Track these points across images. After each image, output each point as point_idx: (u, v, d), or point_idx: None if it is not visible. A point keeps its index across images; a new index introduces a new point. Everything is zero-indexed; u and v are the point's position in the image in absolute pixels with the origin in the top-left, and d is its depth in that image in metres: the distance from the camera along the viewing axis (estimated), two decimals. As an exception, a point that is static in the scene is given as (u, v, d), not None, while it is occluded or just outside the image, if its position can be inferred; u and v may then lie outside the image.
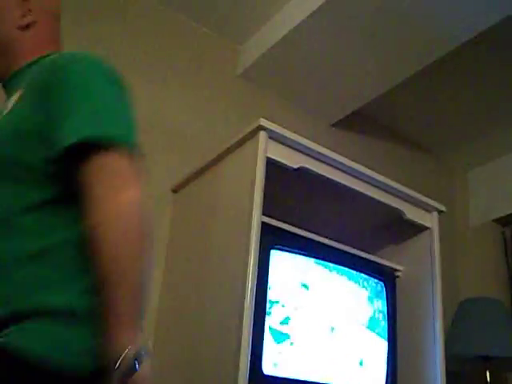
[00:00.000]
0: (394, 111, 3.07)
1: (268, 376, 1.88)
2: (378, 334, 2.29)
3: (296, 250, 2.13)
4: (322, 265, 2.18)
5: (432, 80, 2.81)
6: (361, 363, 2.20)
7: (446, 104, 3.03)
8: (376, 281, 2.37)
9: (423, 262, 2.43)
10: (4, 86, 1.36)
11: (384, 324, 2.34)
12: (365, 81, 2.64)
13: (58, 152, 1.05)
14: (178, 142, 2.47)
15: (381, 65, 2.53)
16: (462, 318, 2.76)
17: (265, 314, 1.91)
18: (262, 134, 2.01)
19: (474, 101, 2.99)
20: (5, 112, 1.22)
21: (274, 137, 2.05)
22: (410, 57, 2.47)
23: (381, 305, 2.36)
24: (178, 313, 2.17)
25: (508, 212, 3.31)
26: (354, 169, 2.26)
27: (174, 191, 2.40)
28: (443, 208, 2.50)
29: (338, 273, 2.22)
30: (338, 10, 2.26)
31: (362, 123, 3.06)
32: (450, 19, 2.26)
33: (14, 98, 1.20)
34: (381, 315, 2.34)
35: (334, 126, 2.93)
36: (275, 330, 1.95)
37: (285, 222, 2.13)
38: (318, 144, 2.19)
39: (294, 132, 2.11)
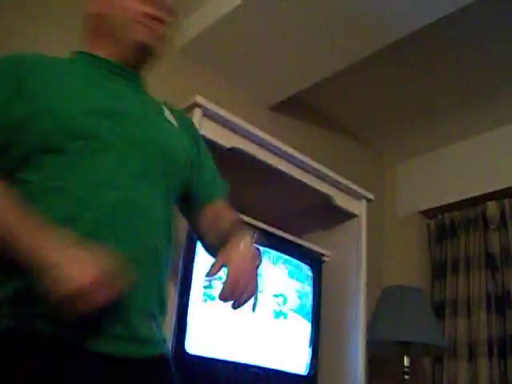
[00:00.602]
0: (331, 99, 3.09)
1: (192, 356, 1.88)
2: (302, 316, 2.33)
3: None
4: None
5: (371, 71, 2.84)
6: (284, 344, 2.23)
7: (383, 96, 3.07)
8: (303, 264, 2.41)
9: (350, 249, 2.49)
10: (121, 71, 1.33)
11: (309, 307, 2.38)
12: (305, 66, 2.63)
13: None
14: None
15: (321, 52, 2.52)
16: (384, 304, 2.83)
17: (188, 296, 1.91)
18: (197, 111, 1.99)
19: (410, 95, 3.04)
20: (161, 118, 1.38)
21: (208, 115, 2.03)
22: (349, 46, 2.48)
23: (307, 288, 2.40)
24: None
25: (434, 205, 3.41)
26: (286, 152, 2.27)
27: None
28: (372, 197, 2.55)
29: (265, 255, 2.23)
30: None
31: (299, 108, 3.06)
32: (389, 13, 2.28)
33: (167, 114, 1.41)
34: (306, 298, 2.38)
35: (272, 109, 2.91)
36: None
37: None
38: (255, 126, 2.18)
39: (231, 112, 2.09)
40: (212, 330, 1.99)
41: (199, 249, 1.91)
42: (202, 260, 1.83)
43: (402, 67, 2.85)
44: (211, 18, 2.42)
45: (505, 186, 3.09)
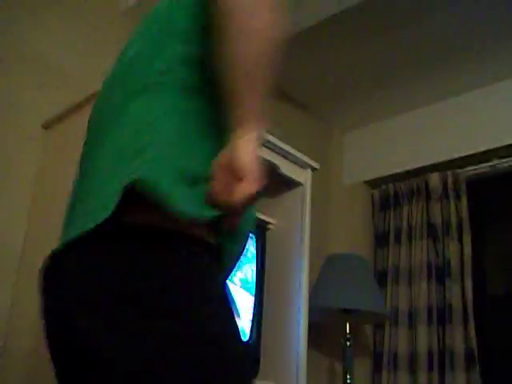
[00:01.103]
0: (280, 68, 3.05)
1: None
2: (246, 289, 2.33)
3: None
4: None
5: (317, 41, 2.82)
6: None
7: (331, 66, 3.05)
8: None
9: (294, 217, 2.49)
10: None
11: (252, 273, 2.38)
12: None
13: None
14: (53, 79, 2.33)
15: None
16: (327, 272, 2.87)
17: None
18: None
19: (358, 65, 3.03)
20: None
21: None
22: (296, 15, 2.45)
23: (251, 255, 2.40)
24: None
25: (378, 175, 3.45)
26: None
27: (45, 127, 2.27)
28: (317, 166, 2.55)
29: None
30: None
31: None
32: None
33: None
34: (250, 266, 2.38)
35: None
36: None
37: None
38: None
39: None
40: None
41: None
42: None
43: (350, 37, 2.84)
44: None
45: (447, 158, 3.14)
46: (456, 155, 3.09)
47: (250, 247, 2.40)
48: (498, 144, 2.95)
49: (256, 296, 2.35)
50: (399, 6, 2.58)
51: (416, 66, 3.01)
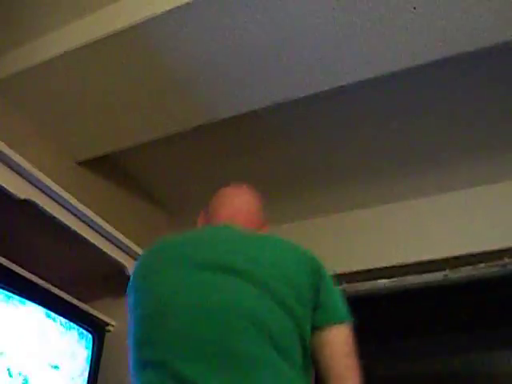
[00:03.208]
0: (145, 165, 2.99)
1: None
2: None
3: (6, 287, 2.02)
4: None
5: (192, 145, 2.80)
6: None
7: (197, 172, 2.98)
8: (85, 331, 2.36)
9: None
10: None
11: (85, 375, 2.30)
12: (123, 127, 2.51)
13: None
14: None
15: (141, 116, 2.45)
16: None
17: None
18: None
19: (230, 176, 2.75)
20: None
21: (2, 159, 1.99)
22: (172, 116, 2.43)
23: (86, 356, 2.34)
24: None
25: None
26: (83, 213, 2.28)
27: None
28: (165, 270, 2.38)
29: (47, 317, 2.19)
30: (106, 50, 2.15)
31: (110, 168, 2.91)
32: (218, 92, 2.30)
33: None
34: (83, 366, 2.32)
35: (79, 164, 2.72)
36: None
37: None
38: (59, 179, 2.16)
39: (34, 163, 2.05)
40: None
41: None
42: None
43: (220, 148, 2.81)
44: (32, 60, 2.26)
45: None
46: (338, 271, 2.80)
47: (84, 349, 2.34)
48: (345, 269, 2.83)
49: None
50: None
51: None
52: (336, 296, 1.42)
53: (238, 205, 1.65)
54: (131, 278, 1.46)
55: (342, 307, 1.40)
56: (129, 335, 1.37)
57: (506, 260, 2.63)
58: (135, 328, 1.35)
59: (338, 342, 1.33)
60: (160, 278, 1.38)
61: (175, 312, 1.29)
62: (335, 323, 1.35)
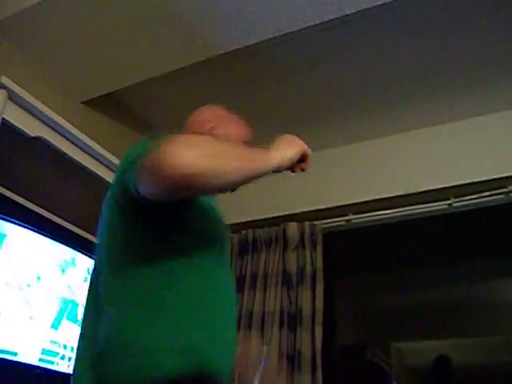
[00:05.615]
0: (148, 101, 2.96)
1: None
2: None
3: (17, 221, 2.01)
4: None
5: (194, 79, 2.74)
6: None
7: (199, 107, 2.77)
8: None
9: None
10: None
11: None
12: (124, 65, 2.45)
13: None
14: None
15: (142, 53, 2.37)
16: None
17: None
18: (2, 93, 1.98)
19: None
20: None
21: (14, 98, 2.02)
22: (173, 53, 2.36)
23: None
24: None
25: (238, 220, 3.16)
26: (94, 149, 2.33)
27: None
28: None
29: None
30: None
31: (114, 106, 2.86)
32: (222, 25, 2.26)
33: None
34: None
35: (84, 103, 2.67)
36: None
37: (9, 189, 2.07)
38: (65, 118, 2.18)
39: (41, 101, 2.08)
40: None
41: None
42: None
43: (224, 81, 2.76)
44: (32, 0, 2.16)
45: (306, 209, 3.03)
46: (314, 207, 3.01)
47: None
48: (354, 200, 2.91)
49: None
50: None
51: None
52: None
53: None
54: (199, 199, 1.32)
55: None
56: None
57: (510, 188, 2.64)
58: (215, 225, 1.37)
59: None
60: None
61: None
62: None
